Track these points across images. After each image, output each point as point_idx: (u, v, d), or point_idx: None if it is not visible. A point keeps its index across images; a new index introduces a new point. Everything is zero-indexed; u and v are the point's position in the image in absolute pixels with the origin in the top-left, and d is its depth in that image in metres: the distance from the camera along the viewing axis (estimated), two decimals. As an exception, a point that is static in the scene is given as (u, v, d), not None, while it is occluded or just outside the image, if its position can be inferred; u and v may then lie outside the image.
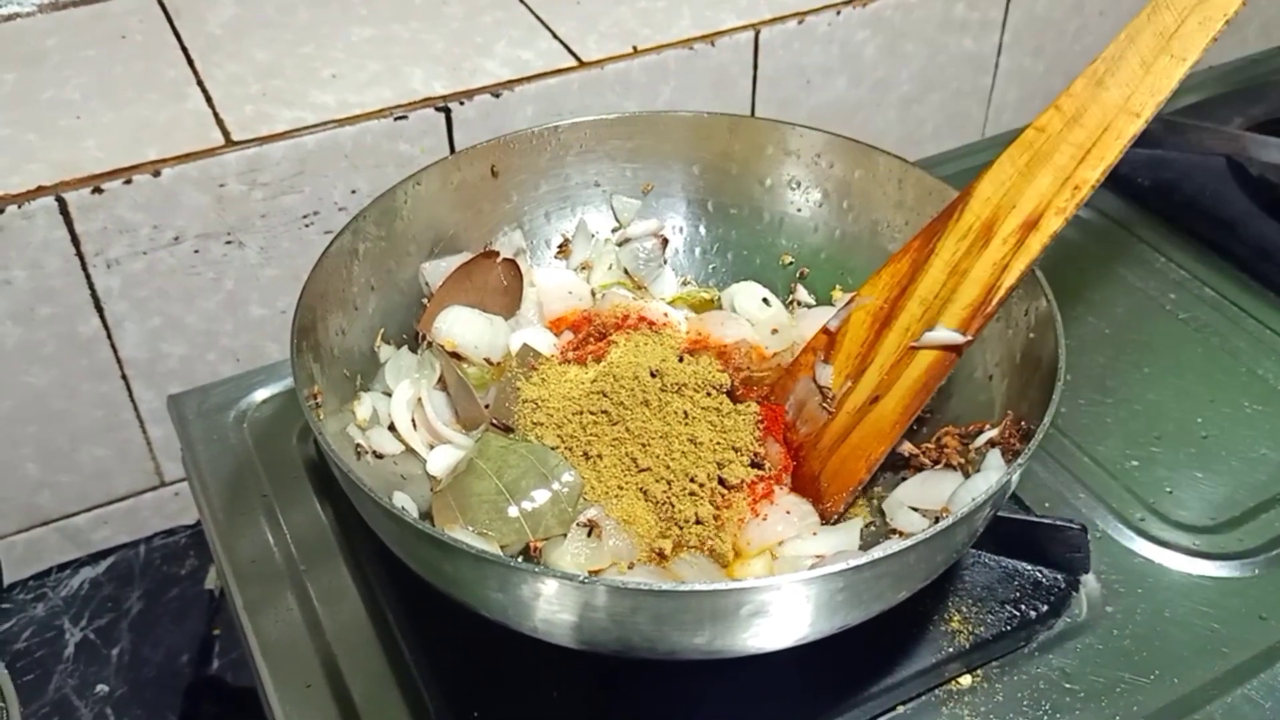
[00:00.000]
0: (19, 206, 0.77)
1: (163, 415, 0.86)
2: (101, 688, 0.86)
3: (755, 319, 0.79)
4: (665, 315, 0.78)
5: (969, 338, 0.64)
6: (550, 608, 0.54)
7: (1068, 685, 0.64)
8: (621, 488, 0.66)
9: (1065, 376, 0.61)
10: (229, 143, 0.83)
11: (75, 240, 0.80)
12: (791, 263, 0.82)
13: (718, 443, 0.68)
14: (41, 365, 0.84)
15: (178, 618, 0.90)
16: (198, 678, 0.87)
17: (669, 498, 0.66)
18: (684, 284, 0.83)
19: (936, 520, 0.61)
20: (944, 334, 0.64)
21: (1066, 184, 0.61)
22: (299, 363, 0.62)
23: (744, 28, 0.97)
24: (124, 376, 0.87)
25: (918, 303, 0.66)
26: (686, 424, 0.68)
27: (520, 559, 0.63)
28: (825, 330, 0.70)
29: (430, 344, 0.73)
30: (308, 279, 0.66)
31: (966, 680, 0.65)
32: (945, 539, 0.56)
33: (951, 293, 0.64)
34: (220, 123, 0.84)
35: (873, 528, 0.67)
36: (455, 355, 0.74)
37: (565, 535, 0.63)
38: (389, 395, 0.71)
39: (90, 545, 0.94)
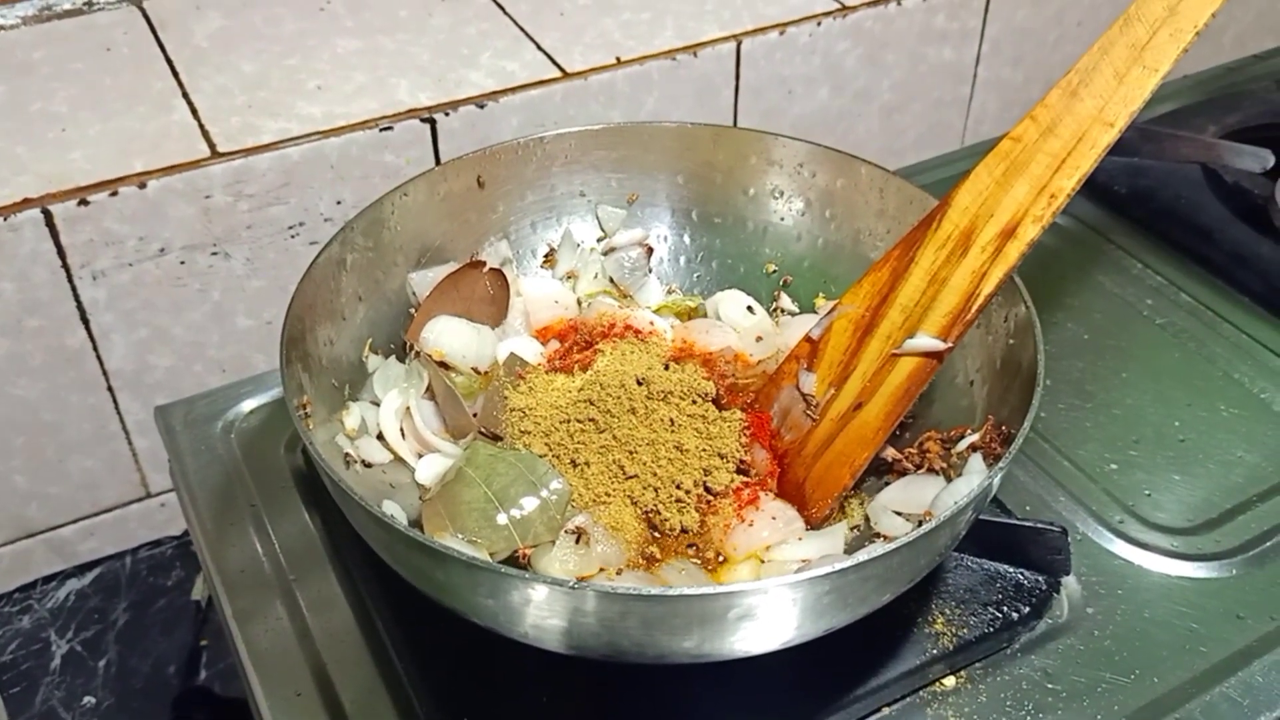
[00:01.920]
0: (5, 219, 0.77)
1: (149, 426, 0.86)
2: (89, 699, 0.86)
3: (740, 327, 0.80)
4: (651, 324, 0.78)
5: (949, 345, 0.65)
6: (540, 613, 0.54)
7: (1050, 685, 0.65)
8: (609, 495, 0.67)
9: (1045, 382, 0.62)
10: (215, 154, 0.83)
11: (61, 252, 0.80)
12: (775, 271, 0.83)
13: (703, 449, 0.68)
14: (29, 377, 0.84)
15: (165, 629, 0.90)
16: (185, 688, 0.87)
17: (656, 504, 0.66)
18: (669, 292, 0.84)
19: (919, 524, 0.62)
20: (925, 341, 0.65)
21: (1043, 193, 0.62)
22: (288, 373, 0.62)
23: (726, 39, 0.98)
24: (110, 388, 0.87)
25: (899, 310, 0.67)
26: (672, 431, 0.69)
27: (509, 566, 0.63)
28: (808, 338, 0.71)
29: (418, 353, 0.74)
30: (296, 290, 0.66)
31: (950, 681, 0.66)
32: (928, 542, 0.57)
33: (932, 300, 0.65)
34: (206, 134, 0.85)
35: (857, 532, 0.68)
36: (443, 364, 0.74)
37: (554, 542, 0.64)
38: (377, 405, 0.71)
39: (76, 557, 0.94)
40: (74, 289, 0.82)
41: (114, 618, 0.91)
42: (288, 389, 0.61)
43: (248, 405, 0.81)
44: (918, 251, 0.66)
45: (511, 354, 0.75)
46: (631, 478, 0.67)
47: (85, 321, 0.84)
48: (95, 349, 0.85)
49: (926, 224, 0.66)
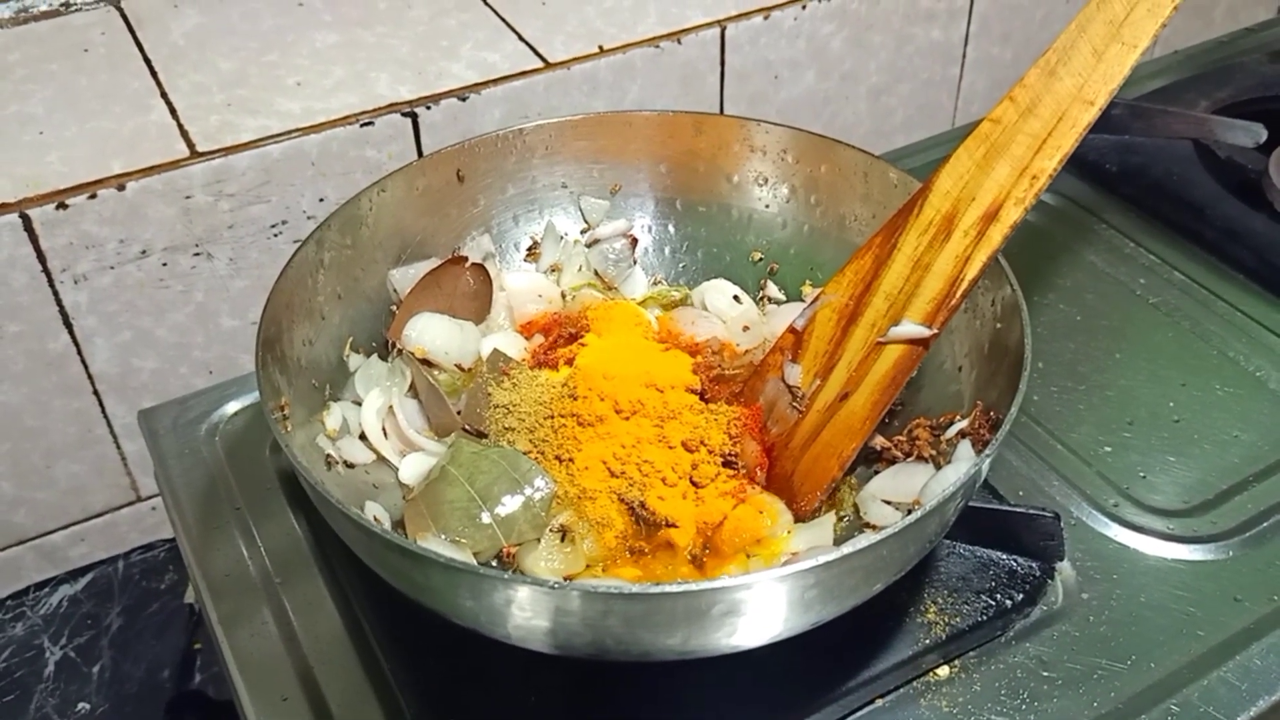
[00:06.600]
0: (-18, 224, 0.77)
1: (136, 430, 0.85)
2: (83, 706, 0.85)
3: (726, 316, 0.79)
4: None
5: (935, 331, 0.64)
6: (522, 614, 0.54)
7: (1045, 673, 0.64)
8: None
9: (1036, 364, 0.61)
10: (194, 154, 0.82)
11: (41, 256, 0.79)
12: (761, 259, 0.82)
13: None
14: (12, 383, 0.83)
15: (158, 633, 0.90)
16: (179, 692, 0.87)
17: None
18: (654, 283, 0.83)
19: (909, 513, 0.61)
20: (910, 328, 0.64)
21: (1024, 174, 0.61)
22: (264, 375, 0.61)
23: (710, 24, 0.97)
24: (96, 392, 0.87)
25: (883, 298, 0.66)
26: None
27: (496, 566, 0.62)
28: (792, 329, 0.70)
29: (400, 351, 0.73)
30: (271, 291, 0.65)
31: (944, 671, 0.65)
32: (916, 531, 0.56)
33: (915, 287, 0.64)
34: (185, 134, 0.84)
35: (846, 522, 0.67)
36: (426, 362, 0.73)
37: (539, 540, 0.63)
38: (359, 404, 0.70)
39: (68, 562, 0.94)
40: (55, 293, 0.81)
41: (107, 623, 0.91)
42: (263, 393, 0.60)
43: (232, 407, 0.80)
44: (900, 237, 0.65)
45: (495, 350, 0.74)
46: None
47: (68, 325, 0.83)
48: (79, 353, 0.85)
49: (908, 209, 0.65)
